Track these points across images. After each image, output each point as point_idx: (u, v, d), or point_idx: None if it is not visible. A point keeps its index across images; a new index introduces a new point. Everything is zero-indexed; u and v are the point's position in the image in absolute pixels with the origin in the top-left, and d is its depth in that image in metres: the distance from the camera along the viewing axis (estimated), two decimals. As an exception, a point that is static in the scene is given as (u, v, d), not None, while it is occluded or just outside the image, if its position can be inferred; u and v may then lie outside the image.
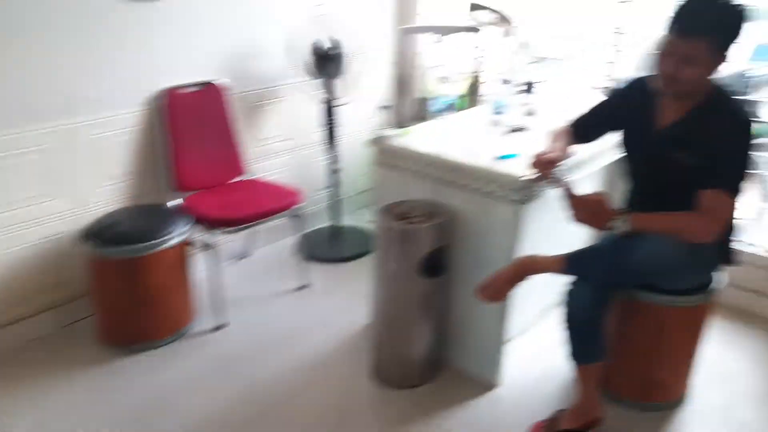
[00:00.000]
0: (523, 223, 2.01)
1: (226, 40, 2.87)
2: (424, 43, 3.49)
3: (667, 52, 1.65)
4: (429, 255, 2.08)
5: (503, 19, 3.01)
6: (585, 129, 2.05)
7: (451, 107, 2.20)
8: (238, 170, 2.97)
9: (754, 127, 1.65)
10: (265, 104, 3.13)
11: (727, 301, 2.57)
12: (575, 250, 1.88)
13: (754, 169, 1.70)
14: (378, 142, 2.32)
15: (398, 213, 2.16)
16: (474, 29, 3.23)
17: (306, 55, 2.93)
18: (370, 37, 3.23)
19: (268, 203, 2.69)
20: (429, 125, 2.20)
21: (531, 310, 2.45)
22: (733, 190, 1.65)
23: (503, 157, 2.08)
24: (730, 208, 1.68)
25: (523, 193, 1.95)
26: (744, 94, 3.04)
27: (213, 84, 2.84)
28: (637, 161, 1.93)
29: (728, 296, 2.55)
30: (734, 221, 1.88)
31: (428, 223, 2.06)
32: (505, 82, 2.50)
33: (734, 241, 1.89)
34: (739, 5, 1.60)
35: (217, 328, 2.57)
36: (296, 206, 2.73)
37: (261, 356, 2.40)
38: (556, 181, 1.84)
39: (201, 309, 2.62)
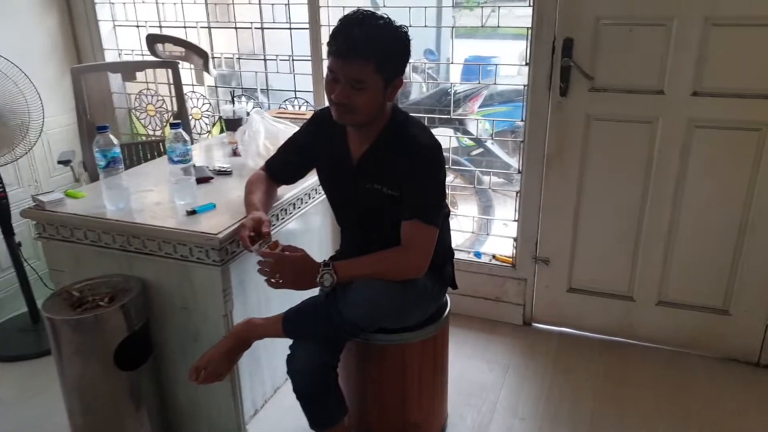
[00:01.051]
0: (232, 285, 1.73)
1: None
2: (114, 82, 3.04)
3: (333, 78, 1.52)
4: (123, 342, 1.69)
5: (195, 52, 2.72)
6: (280, 171, 1.85)
7: (116, 160, 1.80)
8: None
9: (439, 148, 1.60)
10: None
11: (464, 313, 2.63)
12: (292, 307, 1.66)
13: (445, 192, 1.66)
14: (34, 211, 1.84)
15: (76, 299, 1.72)
16: (172, 64, 2.89)
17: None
18: (35, 80, 2.69)
19: None
20: (110, 181, 1.80)
21: (270, 377, 2.17)
22: (431, 218, 1.57)
23: (199, 210, 1.78)
24: (432, 237, 1.59)
25: (224, 252, 1.67)
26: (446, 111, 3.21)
27: None
28: (338, 199, 1.79)
29: (464, 307, 2.60)
30: (449, 245, 1.84)
31: (113, 306, 1.67)
32: (175, 126, 2.17)
33: (451, 264, 1.85)
34: (394, 25, 1.53)
35: None
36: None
37: None
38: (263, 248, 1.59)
39: None
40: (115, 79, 3.20)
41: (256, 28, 2.86)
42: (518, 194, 2.51)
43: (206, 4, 2.92)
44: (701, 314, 2.36)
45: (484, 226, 3.01)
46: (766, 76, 2.02)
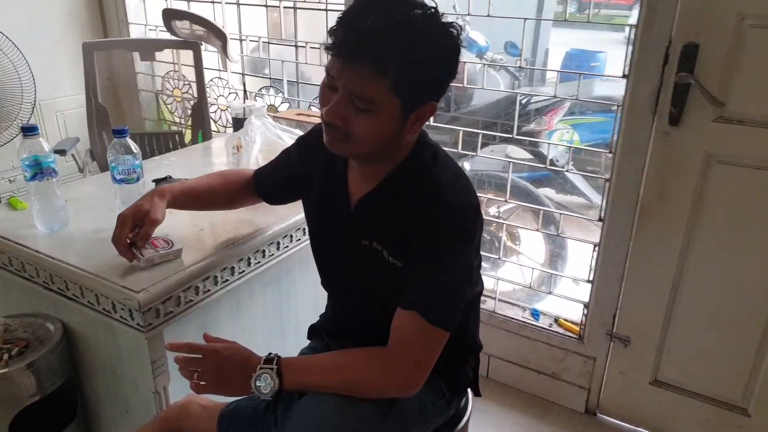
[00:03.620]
0: (167, 355, 1.26)
1: None
2: (126, 61, 2.67)
3: (329, 85, 0.99)
4: (26, 409, 1.27)
5: (214, 32, 2.27)
6: (267, 186, 1.36)
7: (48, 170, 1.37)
8: None
9: (471, 211, 1.04)
10: None
11: (510, 383, 2.06)
12: (233, 402, 1.16)
13: (472, 282, 1.08)
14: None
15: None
16: (194, 45, 2.47)
17: None
18: (35, 54, 2.35)
19: None
20: (44, 195, 1.39)
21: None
22: (439, 317, 1.01)
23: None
24: (434, 343, 1.03)
25: (152, 314, 1.20)
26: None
27: None
28: (324, 254, 1.26)
29: (510, 377, 2.03)
30: (472, 336, 1.29)
31: (14, 366, 1.25)
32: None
33: (474, 364, 1.30)
34: (438, 22, 0.96)
35: None
36: None
37: None
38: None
39: None
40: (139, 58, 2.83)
41: (285, 7, 2.36)
42: (596, 247, 1.89)
43: (237, -24, 2.47)
44: None
45: (548, 279, 2.39)
46: None
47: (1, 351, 1.31)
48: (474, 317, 1.27)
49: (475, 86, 2.59)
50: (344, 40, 0.92)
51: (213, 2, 2.60)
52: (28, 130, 1.36)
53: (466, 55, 3.00)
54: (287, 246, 1.55)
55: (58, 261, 1.28)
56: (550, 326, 2.07)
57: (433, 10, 0.94)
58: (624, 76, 1.70)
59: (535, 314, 2.12)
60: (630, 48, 1.66)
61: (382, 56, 0.91)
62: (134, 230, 1.22)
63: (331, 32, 0.94)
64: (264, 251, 1.49)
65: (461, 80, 2.27)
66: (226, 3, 2.56)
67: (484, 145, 2.55)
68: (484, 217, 2.32)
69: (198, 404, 1.20)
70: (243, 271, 1.44)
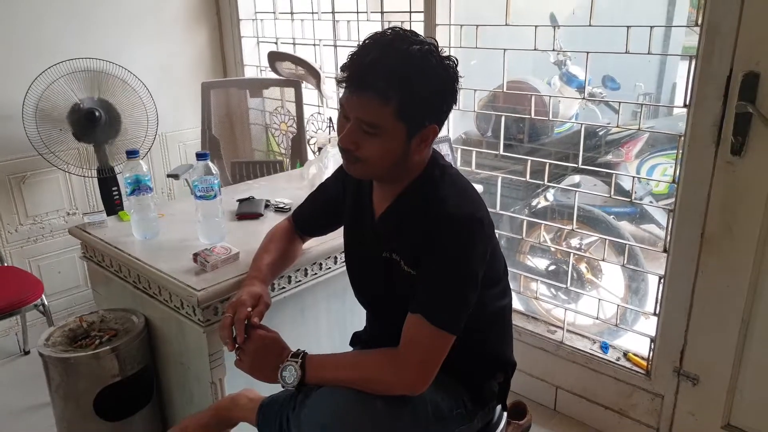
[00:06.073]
0: (217, 350, 1.44)
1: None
2: (240, 98, 2.99)
3: (344, 115, 1.13)
4: (108, 389, 1.51)
5: (310, 72, 2.52)
6: (306, 222, 1.50)
7: (143, 187, 1.63)
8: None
9: (473, 223, 1.11)
10: (32, 175, 2.59)
11: (575, 417, 2.02)
12: (274, 393, 1.31)
13: (475, 290, 1.14)
14: (75, 230, 1.76)
15: (82, 330, 1.60)
16: (295, 83, 2.75)
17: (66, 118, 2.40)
18: (164, 93, 2.75)
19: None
20: (141, 208, 1.66)
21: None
22: (442, 319, 1.10)
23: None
24: (438, 345, 1.11)
25: (210, 311, 1.39)
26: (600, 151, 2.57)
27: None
28: (355, 267, 1.38)
29: (574, 410, 2.00)
30: (502, 352, 1.34)
31: (101, 348, 1.49)
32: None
33: (503, 379, 1.34)
34: (435, 55, 1.08)
35: None
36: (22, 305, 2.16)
37: None
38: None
39: None
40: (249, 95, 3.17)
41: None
42: (662, 280, 1.84)
43: (333, 21, 2.70)
44: None
45: (628, 314, 2.32)
46: None
47: (96, 337, 1.57)
48: (500, 331, 1.32)
49: (558, 119, 2.61)
50: (352, 74, 1.06)
51: (314, 45, 2.88)
52: (131, 153, 1.63)
53: (567, 90, 3.04)
54: (330, 267, 1.68)
55: (143, 263, 1.52)
56: (617, 360, 2.02)
57: (430, 46, 1.06)
58: (685, 105, 1.68)
59: (605, 347, 2.08)
60: (691, 77, 1.65)
61: (384, 86, 1.04)
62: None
63: (342, 68, 1.09)
64: (321, 264, 1.64)
65: (545, 113, 2.32)
66: (324, 45, 2.82)
67: (561, 176, 2.56)
68: (566, 249, 2.32)
69: (246, 397, 1.35)
70: (300, 280, 1.60)
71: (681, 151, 1.71)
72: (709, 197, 1.66)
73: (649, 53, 1.78)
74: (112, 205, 2.57)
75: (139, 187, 1.63)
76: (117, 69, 2.47)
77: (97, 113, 2.44)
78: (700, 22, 1.59)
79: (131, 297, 1.64)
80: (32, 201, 2.63)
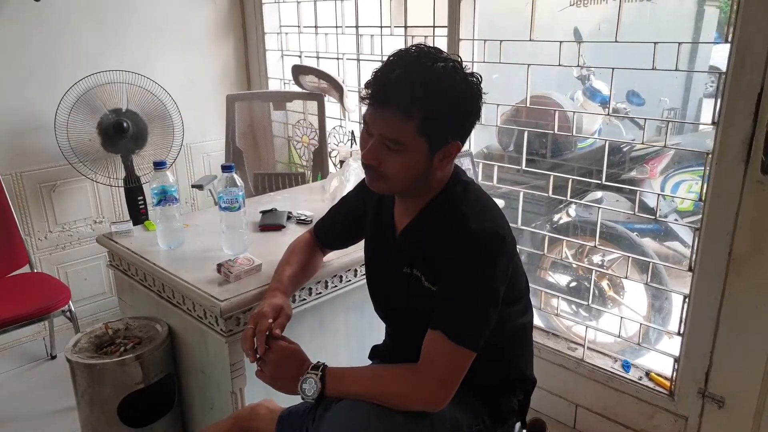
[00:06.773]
0: (238, 359, 1.45)
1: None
2: (263, 111, 3.04)
3: (367, 131, 1.14)
4: (132, 395, 1.53)
5: (333, 85, 2.54)
6: (327, 235, 1.51)
7: (171, 198, 1.66)
8: (16, 261, 2.45)
9: (495, 239, 1.11)
10: (61, 184, 2.65)
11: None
12: (293, 405, 1.32)
13: (495, 306, 1.14)
14: (103, 238, 1.79)
15: (107, 337, 1.62)
16: (318, 96, 2.78)
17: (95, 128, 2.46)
18: (190, 104, 2.79)
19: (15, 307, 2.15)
20: (166, 218, 1.68)
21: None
22: (463, 336, 1.10)
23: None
24: (458, 362, 1.11)
25: (232, 322, 1.41)
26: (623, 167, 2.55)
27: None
28: (376, 281, 1.38)
29: (594, 429, 1.98)
30: (521, 369, 1.33)
31: (126, 355, 1.51)
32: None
33: (523, 396, 1.33)
34: (459, 71, 1.09)
35: None
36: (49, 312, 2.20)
37: None
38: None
39: None
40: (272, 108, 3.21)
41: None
42: (686, 299, 1.81)
43: (357, 35, 2.73)
44: None
45: (651, 333, 2.28)
46: None
47: (121, 344, 1.59)
48: (520, 347, 1.32)
49: (581, 134, 2.59)
50: (375, 90, 1.08)
51: (338, 59, 2.91)
52: (158, 165, 1.66)
53: (590, 105, 3.02)
54: (364, 273, 1.70)
55: (168, 273, 1.54)
56: (639, 379, 1.99)
57: (454, 63, 1.07)
58: (713, 123, 1.66)
59: (626, 366, 2.05)
60: (719, 95, 1.63)
61: (406, 102, 1.05)
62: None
63: (366, 85, 1.10)
64: (341, 276, 1.65)
65: (568, 128, 2.31)
66: (347, 59, 2.84)
67: (584, 191, 2.54)
68: (588, 265, 2.29)
69: (266, 407, 1.36)
70: (320, 292, 1.61)
71: (708, 169, 1.69)
72: (737, 216, 1.64)
73: (676, 69, 1.77)
74: (138, 214, 2.62)
75: (165, 197, 1.65)
76: (145, 81, 2.53)
77: (125, 124, 2.49)
78: (730, 39, 1.58)
79: (155, 305, 1.66)
80: (61, 209, 2.69)
